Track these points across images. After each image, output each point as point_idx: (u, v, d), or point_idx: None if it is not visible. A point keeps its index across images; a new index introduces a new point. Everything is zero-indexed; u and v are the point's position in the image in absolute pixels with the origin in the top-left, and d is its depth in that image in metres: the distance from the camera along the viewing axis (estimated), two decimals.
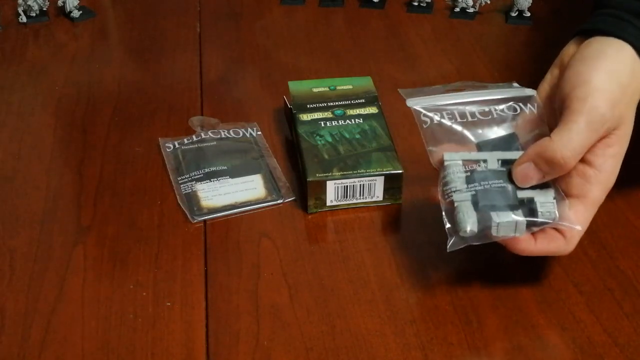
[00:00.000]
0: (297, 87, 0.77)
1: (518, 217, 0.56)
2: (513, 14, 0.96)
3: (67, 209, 0.69)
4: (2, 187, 0.72)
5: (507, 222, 0.56)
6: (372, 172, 0.67)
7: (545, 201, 0.57)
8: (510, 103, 0.63)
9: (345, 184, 0.67)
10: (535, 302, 0.60)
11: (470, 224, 0.56)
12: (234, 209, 0.68)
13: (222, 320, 0.59)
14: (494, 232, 0.57)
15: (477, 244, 0.57)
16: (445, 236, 0.66)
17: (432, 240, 0.66)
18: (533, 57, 0.90)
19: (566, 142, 0.56)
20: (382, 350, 0.56)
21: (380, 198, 0.69)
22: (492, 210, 0.57)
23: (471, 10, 0.97)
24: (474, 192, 0.58)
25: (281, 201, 0.69)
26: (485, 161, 0.60)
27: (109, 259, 0.64)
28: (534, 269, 0.63)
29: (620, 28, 0.60)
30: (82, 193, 0.71)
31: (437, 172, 0.73)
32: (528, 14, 0.96)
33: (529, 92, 0.63)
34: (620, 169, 0.73)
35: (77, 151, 0.76)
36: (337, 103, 0.75)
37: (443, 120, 0.62)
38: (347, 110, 0.74)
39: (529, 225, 0.57)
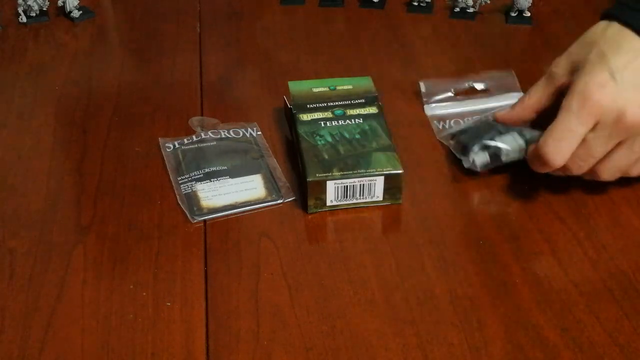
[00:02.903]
0: (297, 87, 0.77)
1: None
2: (513, 14, 0.96)
3: (67, 209, 0.69)
4: (2, 187, 0.72)
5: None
6: (372, 172, 0.67)
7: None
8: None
9: (345, 184, 0.67)
10: (535, 302, 0.60)
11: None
12: (234, 209, 0.68)
13: (222, 320, 0.59)
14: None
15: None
16: (443, 236, 0.66)
17: (432, 240, 0.66)
18: (533, 57, 0.90)
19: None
20: (382, 350, 0.56)
21: (380, 198, 0.68)
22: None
23: (471, 10, 0.97)
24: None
25: (281, 201, 0.69)
26: None
27: (109, 259, 0.64)
28: (534, 269, 0.63)
29: (619, 10, 0.67)
30: (82, 193, 0.71)
31: (436, 170, 0.73)
32: (528, 14, 0.96)
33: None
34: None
35: (77, 151, 0.76)
36: (337, 103, 0.74)
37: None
38: (347, 110, 0.74)
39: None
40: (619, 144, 0.64)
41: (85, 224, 0.68)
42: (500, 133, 0.70)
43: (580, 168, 0.65)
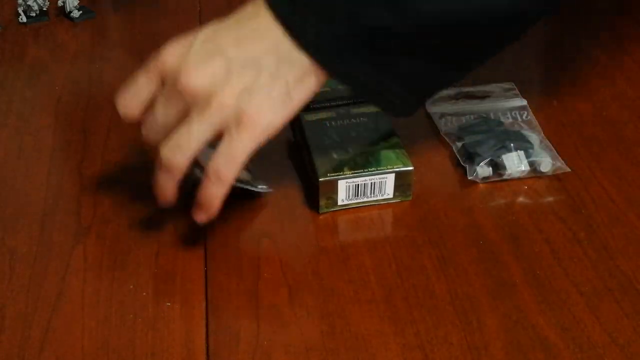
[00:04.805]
0: None
1: None
2: None
3: (67, 209, 0.69)
4: (2, 187, 0.72)
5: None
6: (383, 169, 0.67)
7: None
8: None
9: (357, 183, 0.67)
10: (535, 302, 0.60)
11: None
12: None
13: (222, 320, 0.59)
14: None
15: None
16: (443, 236, 0.66)
17: (432, 240, 0.66)
18: (533, 57, 0.90)
19: None
20: (382, 350, 0.56)
21: (391, 195, 0.68)
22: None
23: None
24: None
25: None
26: None
27: (109, 259, 0.64)
28: (534, 269, 0.63)
29: None
30: (82, 193, 0.71)
31: (436, 170, 0.73)
32: None
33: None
34: (621, 169, 0.73)
35: (77, 151, 0.76)
36: (340, 102, 0.74)
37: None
38: (352, 109, 0.73)
39: None
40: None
41: (85, 224, 0.68)
42: (507, 149, 0.71)
43: (153, 134, 0.62)
